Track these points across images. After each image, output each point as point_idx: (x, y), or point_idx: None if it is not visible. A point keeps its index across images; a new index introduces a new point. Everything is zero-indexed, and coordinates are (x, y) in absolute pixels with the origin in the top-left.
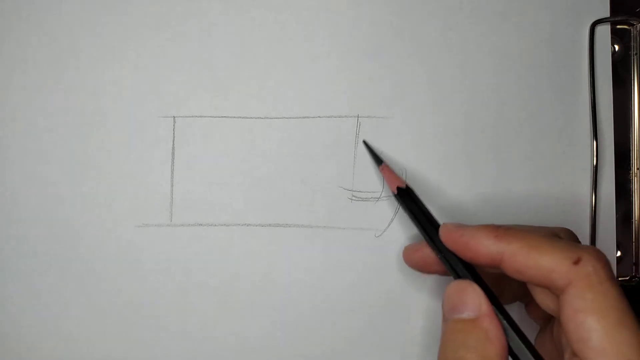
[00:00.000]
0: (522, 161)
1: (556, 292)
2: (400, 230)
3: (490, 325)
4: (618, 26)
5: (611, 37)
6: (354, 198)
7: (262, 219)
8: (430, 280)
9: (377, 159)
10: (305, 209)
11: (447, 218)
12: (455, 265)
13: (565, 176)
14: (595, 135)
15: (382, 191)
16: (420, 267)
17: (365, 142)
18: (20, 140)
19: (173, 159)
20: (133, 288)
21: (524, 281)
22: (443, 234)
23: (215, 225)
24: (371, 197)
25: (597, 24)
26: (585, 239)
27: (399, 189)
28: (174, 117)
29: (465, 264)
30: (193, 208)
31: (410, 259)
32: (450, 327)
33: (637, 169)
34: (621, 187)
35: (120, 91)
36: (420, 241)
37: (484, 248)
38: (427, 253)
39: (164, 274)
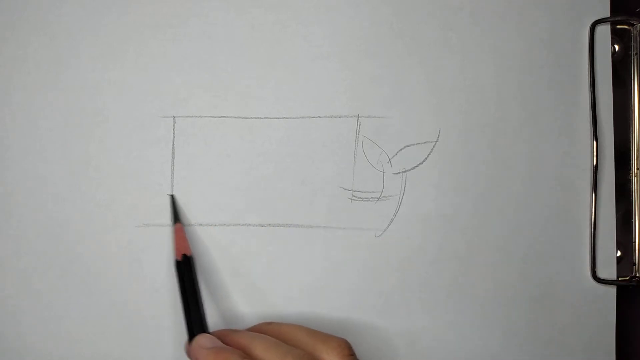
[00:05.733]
0: (522, 161)
1: None
2: (400, 230)
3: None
4: (618, 26)
5: (611, 37)
6: (354, 198)
7: (262, 219)
8: (430, 280)
9: (177, 217)
10: (305, 209)
11: (447, 218)
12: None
13: (565, 176)
14: (595, 135)
15: (382, 191)
16: None
17: (172, 197)
18: (20, 140)
19: (173, 159)
20: (133, 288)
21: None
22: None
23: (215, 225)
24: (371, 197)
25: (597, 24)
26: (585, 239)
27: (184, 256)
28: (174, 117)
29: None
30: (193, 208)
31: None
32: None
33: (637, 169)
34: (621, 187)
35: (120, 91)
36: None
37: None
38: None
39: (164, 274)
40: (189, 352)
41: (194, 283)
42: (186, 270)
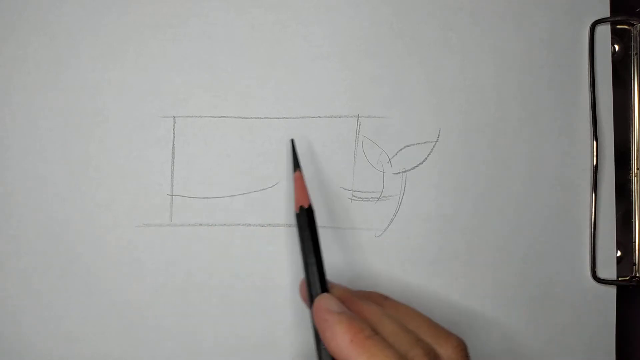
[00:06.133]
0: (522, 161)
1: None
2: (400, 230)
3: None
4: (618, 26)
5: (611, 37)
6: (354, 198)
7: (262, 219)
8: (430, 280)
9: (296, 163)
10: None
11: (447, 218)
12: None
13: (565, 176)
14: (595, 135)
15: (382, 191)
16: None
17: (292, 142)
18: (20, 140)
19: (173, 159)
20: (133, 288)
21: None
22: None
23: (215, 225)
24: (371, 197)
25: (597, 24)
26: (585, 239)
27: (301, 208)
28: (174, 117)
29: None
30: (193, 208)
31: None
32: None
33: (637, 169)
34: (621, 187)
35: (120, 91)
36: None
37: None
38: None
39: (164, 274)
40: (308, 302)
41: (314, 235)
42: (304, 222)
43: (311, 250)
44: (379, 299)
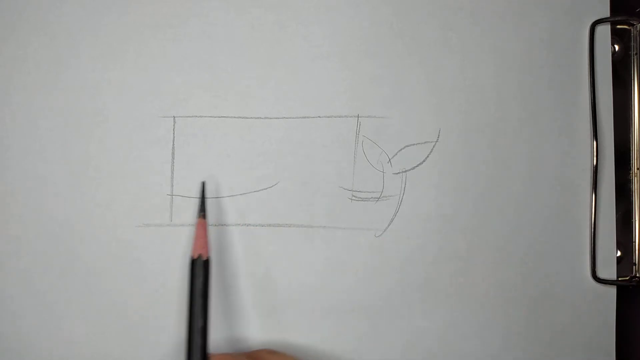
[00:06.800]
0: (522, 161)
1: None
2: (400, 230)
3: None
4: (618, 26)
5: (611, 37)
6: (354, 198)
7: (262, 219)
8: (430, 280)
9: (202, 208)
10: (305, 209)
11: (447, 218)
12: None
13: (565, 176)
14: (595, 135)
15: (382, 191)
16: None
17: (203, 184)
18: (20, 140)
19: (173, 159)
20: (133, 288)
21: None
22: None
23: (215, 225)
24: (371, 197)
25: (597, 24)
26: (585, 239)
27: (199, 257)
28: (174, 117)
29: None
30: (193, 208)
31: None
32: None
33: (637, 169)
34: (621, 187)
35: (120, 91)
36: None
37: None
38: None
39: (164, 274)
40: None
41: (206, 290)
42: (199, 273)
43: (200, 307)
44: (265, 355)
